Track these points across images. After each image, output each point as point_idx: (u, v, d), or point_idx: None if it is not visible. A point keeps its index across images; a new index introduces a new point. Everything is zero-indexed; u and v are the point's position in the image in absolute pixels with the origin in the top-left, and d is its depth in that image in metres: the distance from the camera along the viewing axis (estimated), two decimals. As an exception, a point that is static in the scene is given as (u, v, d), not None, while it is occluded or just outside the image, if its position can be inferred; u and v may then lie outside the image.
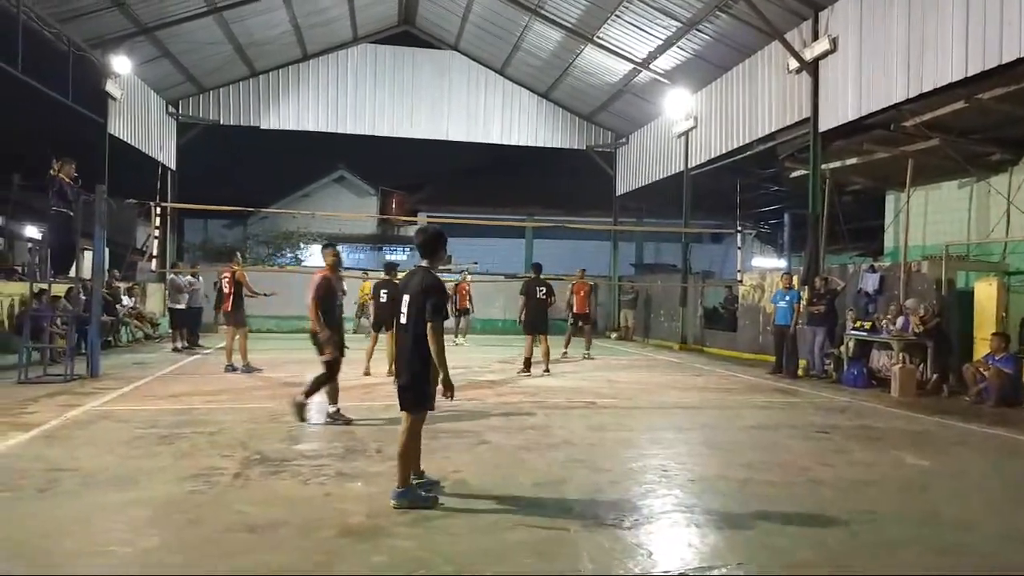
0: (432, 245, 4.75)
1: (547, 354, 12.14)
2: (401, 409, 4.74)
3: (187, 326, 15.55)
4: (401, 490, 4.61)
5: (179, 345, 14.96)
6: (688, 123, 18.36)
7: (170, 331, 15.68)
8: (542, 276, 12.50)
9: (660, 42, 16.63)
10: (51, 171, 10.36)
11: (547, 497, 4.92)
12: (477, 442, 6.60)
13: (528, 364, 11.94)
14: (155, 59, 17.68)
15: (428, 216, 27.79)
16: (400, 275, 9.58)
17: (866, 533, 4.33)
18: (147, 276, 19.37)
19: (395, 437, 6.65)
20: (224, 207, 18.70)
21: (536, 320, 12.13)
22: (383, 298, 10.94)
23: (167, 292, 15.64)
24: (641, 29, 16.53)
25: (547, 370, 11.98)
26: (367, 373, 10.99)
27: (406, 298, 4.68)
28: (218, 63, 19.48)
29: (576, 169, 26.46)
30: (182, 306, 15.21)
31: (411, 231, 31.81)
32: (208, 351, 14.82)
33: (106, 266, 13.03)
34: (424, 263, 4.75)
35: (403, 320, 4.69)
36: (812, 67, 13.17)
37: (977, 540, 4.34)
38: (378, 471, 5.48)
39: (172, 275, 15.63)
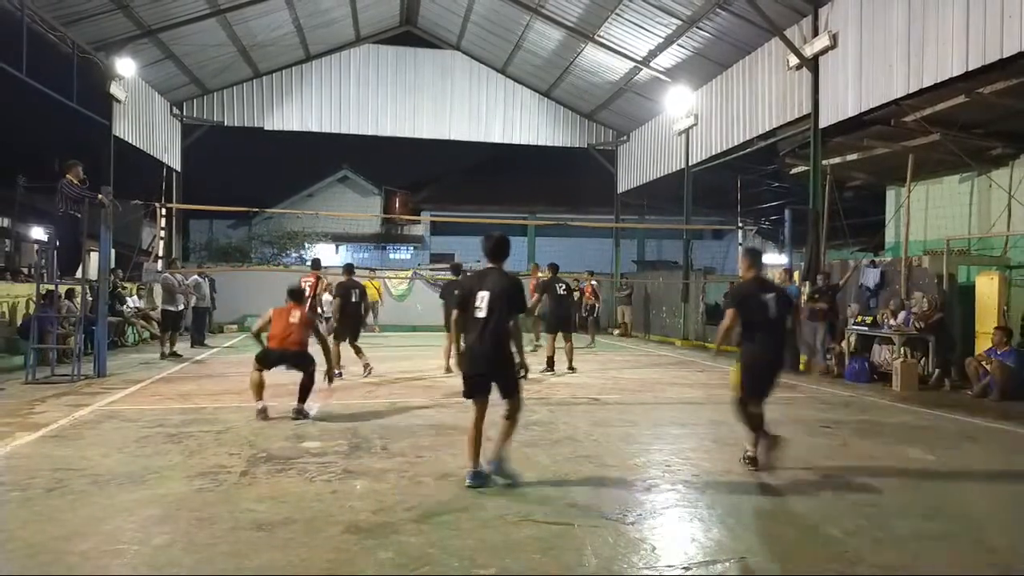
0: (503, 249, 5.29)
1: (570, 352, 12.19)
2: (504, 396, 5.11)
3: (194, 326, 15.56)
4: (495, 458, 5.15)
5: (167, 350, 13.35)
6: (689, 120, 18.38)
7: (172, 333, 13.70)
8: (559, 274, 12.60)
9: (660, 40, 16.65)
10: (74, 179, 10.34)
11: (551, 493, 4.97)
12: (482, 439, 6.63)
13: (551, 363, 11.91)
14: (159, 61, 17.75)
15: (432, 215, 27.95)
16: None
17: (871, 527, 4.36)
18: (153, 277, 19.47)
19: (399, 434, 6.77)
20: (229, 207, 18.80)
21: (560, 319, 12.16)
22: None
23: (162, 293, 14.16)
24: (641, 27, 16.54)
25: (572, 367, 11.98)
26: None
27: (485, 295, 5.02)
28: (222, 65, 19.54)
29: (578, 167, 26.51)
30: (176, 308, 13.79)
31: (415, 230, 31.95)
32: (213, 349, 14.91)
33: (111, 266, 13.09)
34: (492, 265, 5.23)
35: (480, 315, 5.02)
36: (812, 63, 13.19)
37: (984, 534, 4.38)
38: (384, 468, 5.54)
39: (167, 274, 14.35)
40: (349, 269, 11.52)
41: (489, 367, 5.07)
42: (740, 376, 5.69)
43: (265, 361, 7.54)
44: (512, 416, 5.17)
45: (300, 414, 7.47)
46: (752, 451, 5.71)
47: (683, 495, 5.01)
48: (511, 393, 5.14)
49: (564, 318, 12.23)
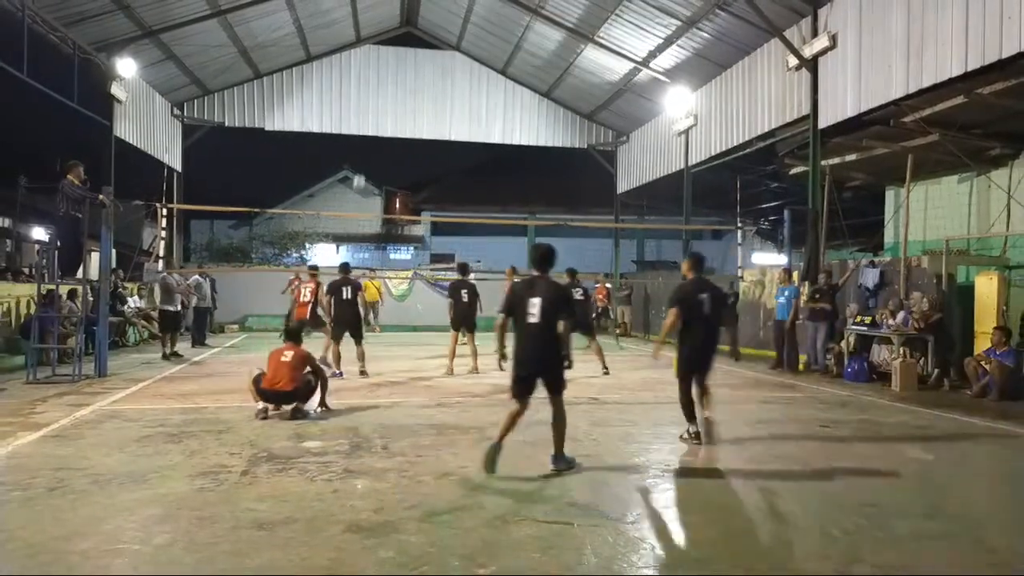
0: (550, 259, 5.67)
1: (600, 353, 12.16)
2: (551, 393, 5.50)
3: (195, 326, 15.52)
4: (557, 455, 5.60)
5: (167, 350, 13.19)
6: (688, 121, 18.40)
7: (172, 333, 13.60)
8: (576, 278, 12.44)
9: (660, 41, 16.66)
10: (75, 179, 10.33)
11: (552, 492, 4.99)
12: (482, 438, 6.63)
13: None
14: (160, 62, 17.78)
15: (432, 215, 27.99)
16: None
17: (870, 526, 4.37)
18: (154, 277, 19.49)
19: (400, 434, 6.80)
20: (230, 208, 18.83)
21: (575, 324, 12.05)
22: (464, 297, 11.26)
23: (159, 293, 13.83)
24: (641, 28, 16.56)
25: (606, 370, 11.83)
26: (451, 373, 11.26)
27: (538, 301, 5.39)
28: (223, 65, 19.56)
29: (578, 167, 26.56)
30: (174, 308, 13.62)
31: (415, 230, 32.00)
32: (214, 349, 14.91)
33: (112, 267, 13.08)
34: (539, 274, 5.62)
35: (533, 320, 5.39)
36: (811, 64, 13.20)
37: (984, 534, 4.39)
38: (384, 467, 5.55)
39: (165, 274, 14.08)
40: (344, 268, 11.57)
41: (540, 366, 5.47)
42: (677, 363, 6.64)
43: (260, 394, 7.58)
44: (558, 420, 5.60)
45: (300, 413, 7.50)
46: (694, 428, 6.56)
47: (683, 494, 5.03)
48: (557, 390, 5.53)
49: (581, 323, 12.18)
